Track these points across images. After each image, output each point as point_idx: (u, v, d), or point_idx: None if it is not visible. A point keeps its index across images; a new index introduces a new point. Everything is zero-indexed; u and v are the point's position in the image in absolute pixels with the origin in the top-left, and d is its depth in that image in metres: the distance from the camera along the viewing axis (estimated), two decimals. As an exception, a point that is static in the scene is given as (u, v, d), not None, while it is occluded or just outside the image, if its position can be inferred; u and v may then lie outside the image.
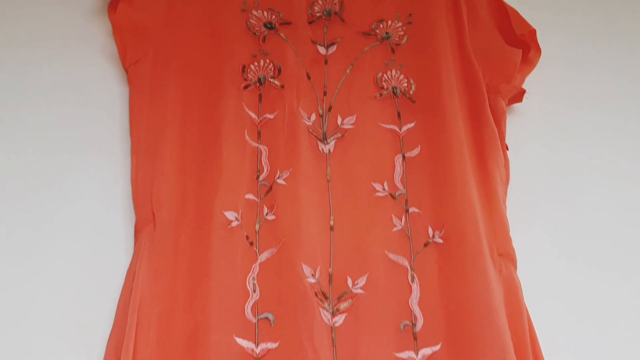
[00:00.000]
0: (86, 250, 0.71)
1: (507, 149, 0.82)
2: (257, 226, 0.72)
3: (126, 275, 0.68)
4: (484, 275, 0.69)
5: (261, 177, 0.76)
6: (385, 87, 0.84)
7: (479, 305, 0.66)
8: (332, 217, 0.74)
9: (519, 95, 0.86)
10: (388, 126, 0.81)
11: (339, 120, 0.81)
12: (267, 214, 0.73)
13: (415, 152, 0.79)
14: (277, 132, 0.78)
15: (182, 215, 0.71)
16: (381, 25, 0.89)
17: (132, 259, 0.70)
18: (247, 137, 0.77)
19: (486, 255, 0.70)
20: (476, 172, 0.78)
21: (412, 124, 0.81)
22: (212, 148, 0.75)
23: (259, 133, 0.79)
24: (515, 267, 0.73)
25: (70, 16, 0.86)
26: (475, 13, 0.91)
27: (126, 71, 0.82)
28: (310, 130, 0.79)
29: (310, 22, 0.88)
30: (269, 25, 0.86)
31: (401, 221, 0.74)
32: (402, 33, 0.89)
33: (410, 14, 0.90)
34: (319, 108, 0.81)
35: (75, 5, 0.86)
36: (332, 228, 0.73)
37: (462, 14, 0.90)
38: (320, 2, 0.90)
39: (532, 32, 0.89)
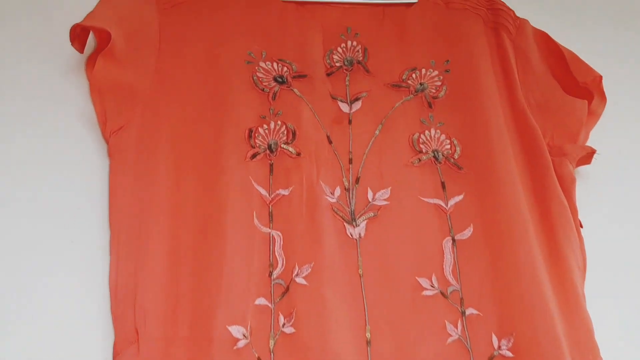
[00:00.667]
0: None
1: (582, 227, 0.66)
2: (271, 343, 0.56)
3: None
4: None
5: (275, 274, 0.60)
6: (424, 150, 0.69)
7: None
8: (368, 327, 0.58)
9: (587, 157, 0.71)
10: (431, 200, 0.66)
11: (370, 195, 0.66)
12: (284, 325, 0.57)
13: (467, 233, 0.64)
14: (293, 213, 0.63)
15: (174, 330, 0.56)
16: (414, 75, 0.74)
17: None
18: (255, 220, 0.62)
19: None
20: (547, 259, 0.62)
21: (461, 197, 0.66)
22: (212, 239, 0.60)
23: (270, 215, 0.63)
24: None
25: (42, 75, 0.71)
26: (525, 58, 0.77)
27: (106, 141, 0.67)
28: (335, 209, 0.64)
29: (328, 74, 0.73)
30: (280, 80, 0.72)
31: (457, 328, 0.58)
32: (439, 83, 0.74)
33: (448, 60, 0.76)
34: (344, 180, 0.66)
35: (47, 61, 0.72)
36: (369, 342, 0.57)
37: (509, 59, 0.76)
38: (339, 49, 0.75)
39: (597, 79, 0.75)
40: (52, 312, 0.58)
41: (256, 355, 0.55)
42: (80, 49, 0.70)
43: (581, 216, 0.67)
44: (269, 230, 0.62)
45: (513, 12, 0.80)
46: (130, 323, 0.56)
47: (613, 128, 0.76)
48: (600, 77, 0.74)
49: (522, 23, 0.80)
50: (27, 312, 0.58)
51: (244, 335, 0.55)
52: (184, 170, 0.64)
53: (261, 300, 0.58)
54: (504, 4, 0.81)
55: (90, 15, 0.68)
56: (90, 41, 0.71)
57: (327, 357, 0.54)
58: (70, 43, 0.68)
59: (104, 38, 0.67)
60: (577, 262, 0.63)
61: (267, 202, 0.64)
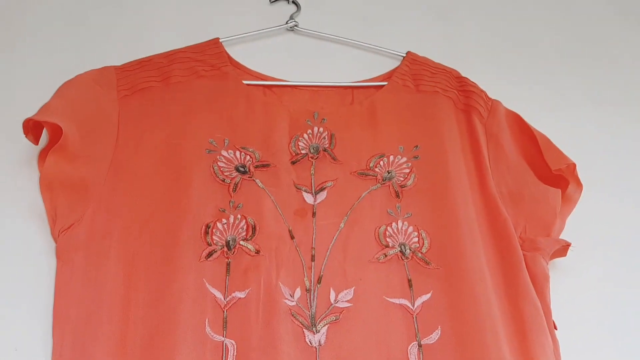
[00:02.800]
0: None
1: (556, 329, 0.64)
2: None
3: None
4: None
5: (227, 389, 0.57)
6: (390, 244, 0.68)
7: None
8: None
9: (562, 250, 0.70)
10: (397, 301, 0.64)
11: (332, 296, 0.64)
12: None
13: (434, 337, 0.62)
14: (249, 319, 0.61)
15: None
16: (381, 162, 0.73)
17: None
18: (208, 328, 0.60)
19: None
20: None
21: (428, 295, 0.64)
22: (161, 349, 0.58)
23: (225, 321, 0.61)
24: None
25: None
26: (497, 143, 0.76)
27: (55, 241, 0.65)
28: (294, 314, 0.62)
29: (293, 162, 0.73)
30: (242, 169, 0.71)
31: None
32: (407, 171, 0.73)
33: (417, 146, 0.75)
34: (305, 279, 0.64)
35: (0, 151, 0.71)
36: None
37: (480, 143, 0.75)
38: (305, 136, 0.75)
39: (572, 167, 0.74)
40: None
41: None
42: (35, 141, 0.69)
43: (557, 315, 0.64)
44: (222, 339, 0.60)
45: (485, 93, 0.80)
46: None
47: (591, 213, 0.75)
48: (574, 164, 0.74)
49: (494, 105, 0.80)
50: None
51: None
52: (135, 272, 0.62)
53: None
54: (475, 86, 0.81)
55: (43, 108, 0.68)
56: (46, 133, 0.70)
57: None
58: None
59: (56, 132, 0.67)
60: (550, 369, 0.60)
61: (222, 307, 0.62)
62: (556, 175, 0.74)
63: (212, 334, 0.60)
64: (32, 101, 0.69)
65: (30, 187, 0.70)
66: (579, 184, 0.75)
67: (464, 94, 0.80)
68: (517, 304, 0.64)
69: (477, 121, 0.77)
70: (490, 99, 0.80)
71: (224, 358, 0.59)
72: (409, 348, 0.61)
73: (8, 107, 0.75)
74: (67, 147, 0.66)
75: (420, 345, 0.61)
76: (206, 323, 0.60)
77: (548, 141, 0.76)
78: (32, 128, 0.68)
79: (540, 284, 0.65)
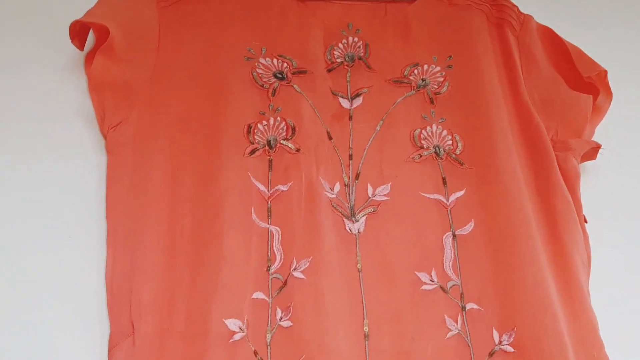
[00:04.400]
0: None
1: (586, 222, 0.68)
2: (268, 336, 0.58)
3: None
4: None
5: (273, 269, 0.62)
6: (425, 146, 0.71)
7: None
8: (366, 322, 0.60)
9: (592, 152, 0.73)
10: (432, 196, 0.68)
11: (370, 191, 0.68)
12: (281, 319, 0.59)
13: (468, 228, 0.66)
14: (292, 209, 0.65)
15: (170, 325, 0.58)
16: (416, 71, 0.76)
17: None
18: (254, 216, 0.64)
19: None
20: (550, 256, 0.64)
21: (462, 192, 0.68)
22: (210, 234, 0.62)
23: (269, 210, 0.65)
24: (615, 383, 0.58)
25: (42, 72, 0.75)
26: (529, 54, 0.79)
27: (104, 137, 0.69)
28: (334, 205, 0.66)
29: (329, 70, 0.76)
30: (280, 76, 0.74)
31: (457, 323, 0.60)
32: (441, 79, 0.76)
33: (450, 56, 0.78)
34: (343, 176, 0.68)
35: (45, 59, 0.75)
36: (367, 336, 0.59)
37: (513, 54, 0.78)
38: (341, 45, 0.78)
39: (602, 74, 0.76)
40: (49, 306, 0.61)
41: (252, 349, 0.57)
42: (80, 47, 0.73)
43: (586, 211, 0.68)
44: (268, 226, 0.64)
45: (517, 7, 0.83)
46: (125, 316, 0.58)
47: (619, 123, 0.78)
48: (605, 71, 0.76)
49: (526, 19, 0.82)
50: (24, 307, 0.61)
51: (240, 329, 0.57)
52: (181, 166, 0.67)
53: (258, 295, 0.60)
54: (507, 0, 0.83)
55: (89, 12, 0.71)
56: (90, 39, 0.74)
57: (324, 351, 0.56)
58: (70, 40, 0.71)
59: (102, 35, 0.70)
60: (581, 258, 0.64)
61: (266, 198, 0.66)
62: (587, 84, 0.77)
63: (258, 221, 0.64)
64: (75, 10, 0.73)
65: (76, 92, 0.74)
66: (609, 93, 0.77)
67: (497, 7, 0.82)
68: (548, 199, 0.67)
69: (510, 33, 0.80)
70: (522, 13, 0.83)
71: (269, 243, 0.63)
72: (444, 238, 0.65)
73: (51, 16, 0.78)
74: (114, 48, 0.70)
75: (454, 235, 0.66)
76: (252, 211, 0.64)
77: (579, 50, 0.79)
78: (78, 32, 0.71)
79: (572, 181, 0.69)
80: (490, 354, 0.58)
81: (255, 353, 0.57)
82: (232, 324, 0.57)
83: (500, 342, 0.59)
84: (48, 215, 0.66)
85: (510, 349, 0.58)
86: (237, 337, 0.57)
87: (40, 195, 0.67)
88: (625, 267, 0.68)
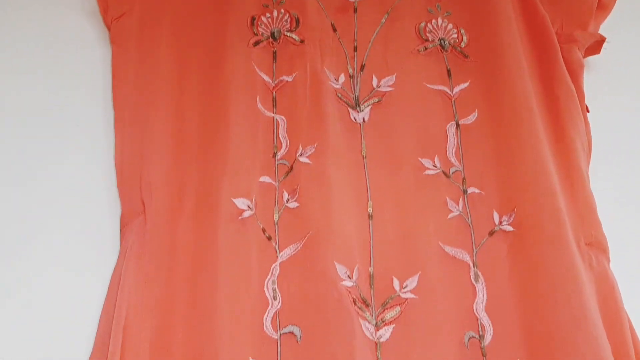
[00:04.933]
0: (60, 252, 0.60)
1: (588, 111, 0.69)
2: (275, 216, 0.60)
3: (110, 282, 0.57)
4: (570, 270, 0.56)
5: (279, 155, 0.63)
6: (430, 38, 0.71)
7: (568, 312, 0.54)
8: (370, 203, 0.62)
9: (596, 46, 0.73)
10: (436, 87, 0.68)
11: (375, 82, 0.68)
12: (288, 201, 0.61)
13: (471, 118, 0.67)
14: (297, 99, 0.66)
15: (180, 204, 0.60)
16: None
17: (118, 261, 0.58)
18: (259, 105, 0.65)
19: (571, 246, 0.58)
20: (552, 141, 0.65)
21: (466, 84, 0.69)
22: (216, 120, 0.64)
23: (274, 100, 0.66)
24: (609, 260, 0.61)
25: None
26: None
27: (108, 28, 0.70)
28: (339, 95, 0.67)
29: (332, -37, 0.75)
30: (283, -31, 0.73)
31: (458, 205, 0.62)
32: (447, -27, 0.75)
33: None
34: (348, 67, 0.69)
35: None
36: (370, 216, 0.61)
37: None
38: (344, -62, 0.77)
39: (610, -32, 0.76)
40: (60, 192, 0.63)
41: (261, 226, 0.59)
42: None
43: (588, 102, 0.69)
44: (273, 115, 0.66)
45: None
46: (136, 196, 0.60)
47: (623, 19, 0.77)
48: (613, -34, 0.75)
49: None
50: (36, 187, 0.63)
51: (248, 207, 0.60)
52: (186, 56, 0.67)
53: (265, 179, 0.62)
54: None
55: None
56: None
57: (330, 230, 0.58)
58: None
59: None
60: (582, 144, 0.66)
61: (271, 89, 0.67)
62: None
63: (264, 110, 0.65)
64: None
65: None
66: (615, -12, 0.77)
67: None
68: (552, 88, 0.68)
69: None
70: None
71: (275, 131, 0.65)
72: (447, 127, 0.66)
73: None
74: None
75: (458, 125, 0.67)
76: (257, 100, 0.65)
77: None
78: None
79: (575, 72, 0.70)
80: (490, 234, 0.61)
81: (264, 230, 0.59)
82: (241, 202, 0.59)
83: (500, 222, 0.61)
84: (53, 108, 0.67)
85: (510, 228, 0.60)
86: (246, 214, 0.59)
87: (45, 88, 0.68)
88: (626, 157, 0.69)
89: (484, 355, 0.55)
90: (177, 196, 0.60)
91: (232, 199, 0.59)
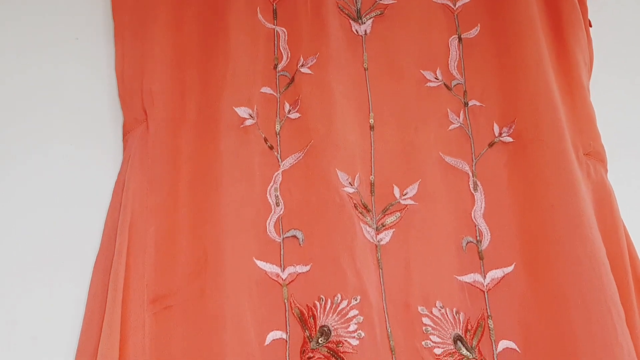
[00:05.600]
0: (64, 159, 0.60)
1: (591, 26, 0.69)
2: (277, 126, 0.61)
3: (114, 187, 0.58)
4: (569, 179, 0.57)
5: (280, 67, 0.64)
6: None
7: (564, 215, 0.55)
8: (371, 114, 0.62)
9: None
10: (439, 0, 0.68)
11: (378, -7, 0.68)
12: (289, 112, 0.62)
13: (474, 32, 0.67)
14: (297, 10, 0.66)
15: (182, 113, 0.60)
16: None
17: (121, 167, 0.59)
18: (260, 16, 0.65)
19: (570, 155, 0.59)
20: (554, 55, 0.65)
21: None
22: (216, 31, 0.63)
23: (274, 12, 0.66)
24: (606, 170, 0.62)
25: None
26: None
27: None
28: (341, 7, 0.67)
29: None
30: None
31: (459, 117, 0.63)
32: None
33: None
34: (349, -21, 0.68)
35: None
36: (372, 127, 0.62)
37: None
38: None
39: None
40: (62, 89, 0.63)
41: (262, 136, 0.60)
42: None
43: (591, 16, 0.69)
44: (273, 27, 0.65)
45: None
46: (138, 105, 0.60)
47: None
48: None
49: None
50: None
51: (250, 116, 0.60)
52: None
53: (267, 89, 0.62)
54: None
55: None
56: None
57: (331, 139, 0.59)
58: None
59: None
60: (583, 57, 0.66)
61: (271, 0, 0.66)
62: None
63: (264, 21, 0.65)
64: None
65: None
66: None
67: None
68: (555, 2, 0.68)
69: None
70: None
71: (275, 43, 0.65)
72: (450, 40, 0.66)
73: None
74: None
75: (460, 39, 0.67)
76: (257, 11, 0.65)
77: None
78: None
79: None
80: (490, 145, 0.62)
81: (266, 140, 0.60)
82: (243, 111, 0.60)
83: (500, 133, 0.62)
84: (54, 21, 0.67)
85: (509, 139, 0.61)
86: (247, 122, 0.60)
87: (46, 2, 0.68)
88: (626, 70, 0.70)
89: (481, 258, 0.57)
90: (179, 105, 0.61)
91: (234, 107, 0.60)
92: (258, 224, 0.56)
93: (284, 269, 0.55)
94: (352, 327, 0.52)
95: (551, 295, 0.53)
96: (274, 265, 0.55)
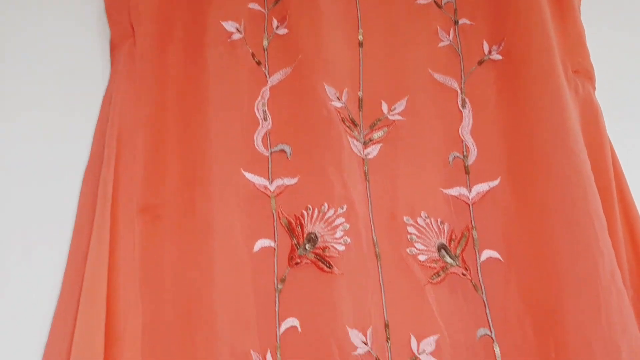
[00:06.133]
0: (52, 73, 0.60)
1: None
2: (265, 42, 0.61)
3: (102, 100, 0.58)
4: (556, 96, 0.58)
5: (269, -17, 0.63)
6: None
7: (550, 130, 0.56)
8: (360, 30, 0.62)
9: None
10: None
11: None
12: (277, 28, 0.61)
13: None
14: None
15: (169, 28, 0.60)
16: None
17: (109, 82, 0.59)
18: None
19: (558, 72, 0.59)
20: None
21: None
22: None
23: None
24: (594, 87, 0.62)
25: None
26: None
27: None
28: None
29: None
30: None
31: (449, 35, 0.63)
32: None
33: None
34: None
35: None
36: (361, 44, 0.62)
37: None
38: None
39: None
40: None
41: (250, 51, 0.60)
42: None
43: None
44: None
45: None
46: (125, 20, 0.60)
47: None
48: None
49: None
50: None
51: (237, 30, 0.60)
52: None
53: (254, 5, 0.62)
54: None
55: None
56: None
57: (320, 54, 0.59)
58: None
59: None
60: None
61: None
62: None
63: None
64: None
65: None
66: None
67: None
68: None
69: None
70: None
71: None
72: None
73: None
74: None
75: (451, -44, 0.66)
76: None
77: None
78: None
79: None
80: (480, 63, 0.62)
81: (253, 55, 0.60)
82: (230, 25, 0.60)
83: (490, 52, 0.62)
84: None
85: (498, 57, 0.61)
86: (235, 37, 0.60)
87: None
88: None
89: (467, 173, 0.58)
90: (166, 20, 0.60)
91: (221, 21, 0.59)
92: (246, 138, 0.57)
93: (271, 182, 0.56)
94: (339, 234, 0.53)
95: (535, 207, 0.54)
96: (262, 178, 0.56)
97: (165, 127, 0.56)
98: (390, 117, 0.59)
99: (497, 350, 0.51)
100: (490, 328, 0.52)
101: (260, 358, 0.50)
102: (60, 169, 0.56)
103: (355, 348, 0.49)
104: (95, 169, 0.54)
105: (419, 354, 0.50)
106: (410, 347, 0.50)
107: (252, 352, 0.49)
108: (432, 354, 0.50)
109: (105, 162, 0.53)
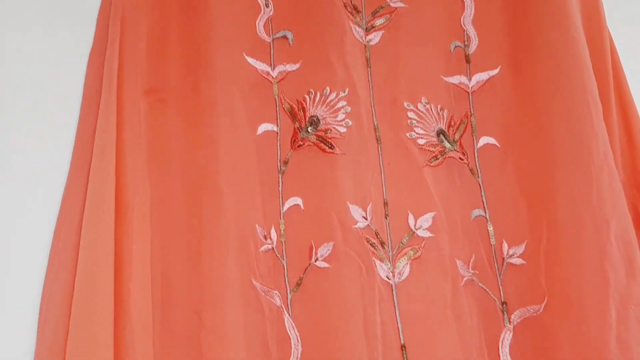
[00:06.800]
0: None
1: None
2: None
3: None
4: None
5: None
6: None
7: (551, 18, 0.56)
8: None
9: None
10: None
11: None
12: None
13: None
14: None
15: None
16: None
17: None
18: None
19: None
20: None
21: None
22: None
23: None
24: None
25: None
26: None
27: None
28: None
29: None
30: None
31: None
32: None
33: None
34: None
35: None
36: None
37: None
38: None
39: None
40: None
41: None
42: None
43: None
44: None
45: None
46: None
47: None
48: None
49: None
50: None
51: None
52: None
53: None
54: None
55: None
56: None
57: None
58: None
59: None
60: None
61: None
62: None
63: None
64: None
65: None
66: None
67: None
68: None
69: None
70: None
71: None
72: None
73: None
74: None
75: None
76: None
77: None
78: None
79: None
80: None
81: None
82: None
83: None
84: None
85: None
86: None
87: None
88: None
89: (467, 62, 0.58)
90: None
91: None
92: (248, 24, 0.57)
93: (274, 68, 0.56)
94: (340, 117, 0.54)
95: (534, 94, 0.56)
96: (264, 64, 0.56)
97: (168, 12, 0.56)
98: (392, 5, 0.59)
99: (490, 229, 0.54)
100: (485, 209, 0.54)
101: (265, 232, 0.52)
102: (63, 54, 0.56)
103: (356, 222, 0.52)
104: (99, 52, 0.55)
105: (415, 229, 0.53)
106: (408, 223, 0.53)
107: (257, 226, 0.52)
108: (429, 229, 0.53)
109: (109, 42, 0.53)
